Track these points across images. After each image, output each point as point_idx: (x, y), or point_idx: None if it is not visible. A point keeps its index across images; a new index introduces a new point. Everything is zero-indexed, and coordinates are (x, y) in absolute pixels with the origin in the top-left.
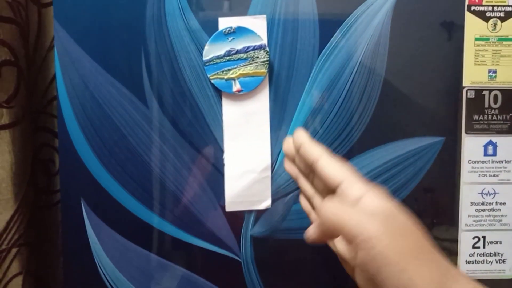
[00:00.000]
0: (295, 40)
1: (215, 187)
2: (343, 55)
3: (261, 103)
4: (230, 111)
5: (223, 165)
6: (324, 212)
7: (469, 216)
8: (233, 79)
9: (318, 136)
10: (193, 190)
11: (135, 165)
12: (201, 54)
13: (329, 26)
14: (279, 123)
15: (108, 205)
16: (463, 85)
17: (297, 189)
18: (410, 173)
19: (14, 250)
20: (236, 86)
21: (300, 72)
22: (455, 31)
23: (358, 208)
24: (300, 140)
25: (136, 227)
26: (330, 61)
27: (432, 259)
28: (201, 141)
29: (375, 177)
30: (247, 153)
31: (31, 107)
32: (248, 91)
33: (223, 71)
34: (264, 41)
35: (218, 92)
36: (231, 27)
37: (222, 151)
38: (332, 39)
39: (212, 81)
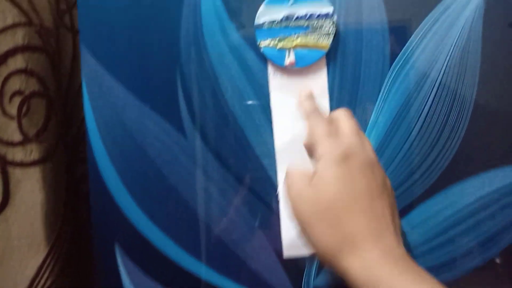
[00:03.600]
0: (359, 49)
1: (269, 228)
2: (422, 64)
3: (320, 105)
4: (282, 124)
5: (277, 201)
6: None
7: None
8: (288, 49)
9: (395, 164)
10: (242, 234)
11: (174, 205)
12: (245, 74)
13: (401, 31)
14: None
15: (146, 251)
16: None
17: None
18: None
19: None
20: (289, 58)
21: (367, 89)
22: None
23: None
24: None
25: (179, 277)
26: (405, 72)
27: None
28: (249, 173)
29: (469, 216)
30: None
31: (68, 138)
32: (303, 66)
33: (276, 39)
34: (332, 8)
35: (267, 116)
36: None
37: (275, 185)
38: (406, 46)
39: (262, 49)
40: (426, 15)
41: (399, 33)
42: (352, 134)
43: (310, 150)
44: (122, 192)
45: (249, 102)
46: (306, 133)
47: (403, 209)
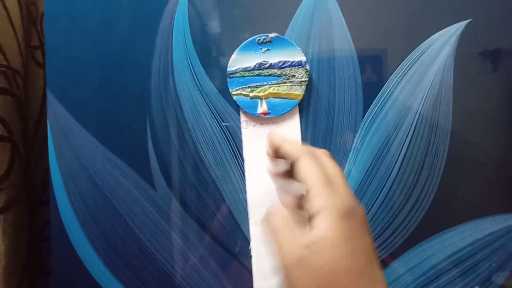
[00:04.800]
0: (333, 98)
1: (241, 284)
2: (394, 114)
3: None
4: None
5: (249, 257)
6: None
7: None
8: (260, 98)
9: (370, 216)
10: None
11: (138, 259)
12: (217, 121)
13: (374, 81)
14: None
15: None
16: None
17: None
18: (497, 260)
19: None
20: (262, 107)
21: (341, 139)
22: None
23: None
24: (277, 143)
25: None
26: (378, 123)
27: None
28: (220, 227)
29: (452, 266)
30: None
31: (35, 181)
32: (276, 115)
33: (249, 87)
34: (305, 57)
35: (239, 166)
36: (267, 35)
37: (247, 239)
38: (378, 96)
39: (234, 98)
40: (398, 65)
41: (372, 83)
42: (346, 184)
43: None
44: (88, 250)
45: (225, 124)
46: (297, 174)
47: (385, 259)
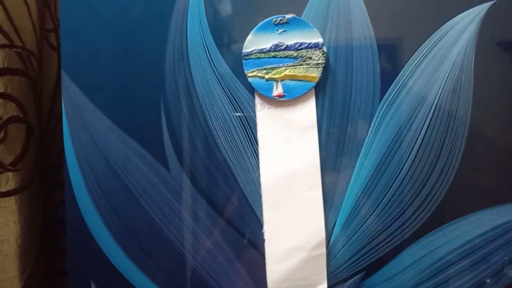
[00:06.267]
0: (350, 82)
1: (254, 271)
2: (412, 99)
3: (309, 139)
4: (268, 149)
5: (262, 241)
6: None
7: None
8: (276, 80)
9: (382, 206)
10: (225, 272)
11: (153, 241)
12: (232, 106)
13: (392, 64)
14: (334, 175)
15: None
16: None
17: (361, 271)
18: (510, 253)
19: None
20: (277, 90)
21: (357, 123)
22: None
23: None
24: None
25: None
26: (394, 108)
27: None
28: (234, 210)
29: (462, 257)
30: (294, 223)
31: (49, 164)
32: (291, 98)
33: (264, 69)
34: (322, 39)
35: (253, 148)
36: (283, 16)
37: (260, 222)
38: (396, 80)
39: (249, 80)
40: (417, 48)
41: (390, 67)
42: None
43: None
44: (102, 229)
45: (237, 114)
46: None
47: (394, 249)
